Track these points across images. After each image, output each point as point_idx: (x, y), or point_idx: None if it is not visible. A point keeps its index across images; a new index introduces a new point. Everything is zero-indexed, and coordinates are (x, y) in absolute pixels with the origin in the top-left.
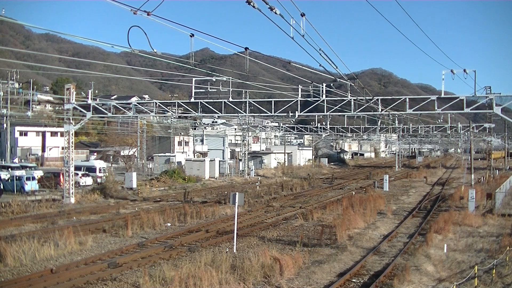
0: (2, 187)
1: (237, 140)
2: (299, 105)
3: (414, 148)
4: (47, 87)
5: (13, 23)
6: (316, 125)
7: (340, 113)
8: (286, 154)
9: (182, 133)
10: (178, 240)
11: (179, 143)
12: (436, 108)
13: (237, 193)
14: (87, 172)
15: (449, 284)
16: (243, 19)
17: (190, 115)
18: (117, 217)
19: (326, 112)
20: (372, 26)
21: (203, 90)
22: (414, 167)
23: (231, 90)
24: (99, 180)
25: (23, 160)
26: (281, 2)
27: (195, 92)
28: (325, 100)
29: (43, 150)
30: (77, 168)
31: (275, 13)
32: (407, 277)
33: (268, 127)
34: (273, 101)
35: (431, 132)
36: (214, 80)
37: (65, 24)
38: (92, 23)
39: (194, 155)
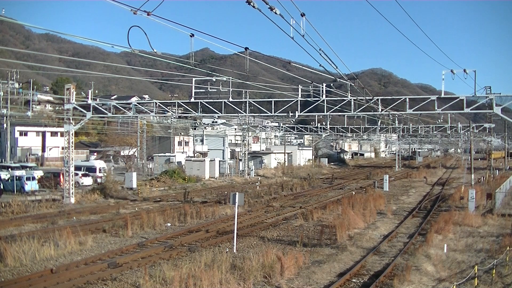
0: (2, 187)
1: (237, 140)
2: (299, 105)
3: (414, 148)
4: (47, 87)
5: (13, 23)
6: (316, 125)
7: (340, 113)
8: (286, 154)
9: (182, 133)
10: (178, 240)
11: (179, 143)
12: (436, 108)
13: (237, 193)
14: (87, 172)
15: (449, 284)
16: (243, 19)
17: (190, 115)
18: (117, 217)
19: (326, 112)
20: (372, 26)
21: (203, 90)
22: (414, 167)
23: (231, 90)
24: (99, 180)
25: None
26: (281, 2)
27: (195, 92)
28: (325, 100)
29: (43, 150)
30: (77, 168)
31: (275, 13)
32: (407, 277)
33: (268, 127)
34: (273, 101)
35: (431, 132)
36: (214, 80)
37: (65, 24)
38: (92, 23)
39: (194, 155)
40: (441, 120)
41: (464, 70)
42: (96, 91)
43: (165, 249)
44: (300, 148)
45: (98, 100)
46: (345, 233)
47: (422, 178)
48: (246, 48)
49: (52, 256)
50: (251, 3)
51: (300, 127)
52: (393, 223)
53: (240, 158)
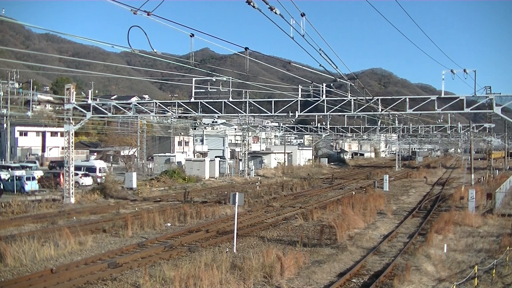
0: (2, 187)
1: (237, 140)
2: (299, 105)
3: (414, 148)
4: (47, 87)
5: (13, 23)
6: (316, 125)
7: (340, 113)
8: (286, 154)
9: (182, 133)
10: (178, 240)
11: (179, 143)
12: (436, 108)
13: (237, 193)
14: (87, 172)
15: (449, 284)
16: (243, 19)
17: (190, 115)
18: (117, 217)
19: (326, 112)
20: (372, 26)
21: (203, 90)
22: (414, 167)
23: (231, 90)
24: (99, 180)
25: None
26: (281, 2)
27: (195, 92)
28: (325, 100)
29: (43, 150)
30: (77, 168)
31: (275, 13)
32: (407, 277)
33: (268, 127)
34: (273, 101)
35: (431, 132)
36: (214, 80)
37: (65, 24)
38: (92, 23)
39: (194, 155)
40: (441, 120)
41: (464, 70)
42: (96, 91)
43: (165, 249)
44: (300, 148)
45: (98, 100)
46: (345, 233)
47: (422, 178)
48: (246, 48)
49: (52, 256)
50: (251, 3)
51: (300, 127)
52: (393, 223)
53: (240, 158)
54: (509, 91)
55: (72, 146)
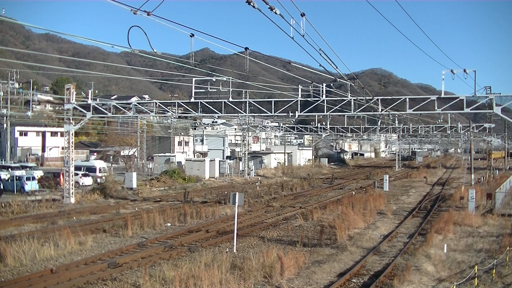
0: (2, 187)
1: (237, 140)
2: (299, 105)
3: (414, 148)
4: (47, 87)
5: (13, 23)
6: (316, 125)
7: (340, 113)
8: (286, 154)
9: (182, 133)
10: (178, 240)
11: (179, 143)
12: (436, 108)
13: (237, 193)
14: (87, 172)
15: (449, 284)
16: (243, 19)
17: (190, 115)
18: (117, 217)
19: (326, 112)
20: (372, 26)
21: (203, 90)
22: (414, 167)
23: (231, 90)
24: (99, 180)
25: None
26: (281, 2)
27: (195, 92)
28: (325, 100)
29: (43, 150)
30: (77, 168)
31: (275, 13)
32: (407, 277)
33: (268, 127)
34: (273, 101)
35: (431, 132)
36: (214, 80)
37: (65, 24)
38: (92, 23)
39: (194, 155)
40: (441, 120)
41: (464, 70)
42: (96, 91)
43: (165, 249)
44: (300, 148)
45: (98, 100)
46: (345, 233)
47: (422, 178)
48: (246, 48)
49: (52, 256)
50: (251, 3)
51: (300, 127)
52: (393, 223)
53: (238, 157)
54: (509, 91)
55: (72, 146)
